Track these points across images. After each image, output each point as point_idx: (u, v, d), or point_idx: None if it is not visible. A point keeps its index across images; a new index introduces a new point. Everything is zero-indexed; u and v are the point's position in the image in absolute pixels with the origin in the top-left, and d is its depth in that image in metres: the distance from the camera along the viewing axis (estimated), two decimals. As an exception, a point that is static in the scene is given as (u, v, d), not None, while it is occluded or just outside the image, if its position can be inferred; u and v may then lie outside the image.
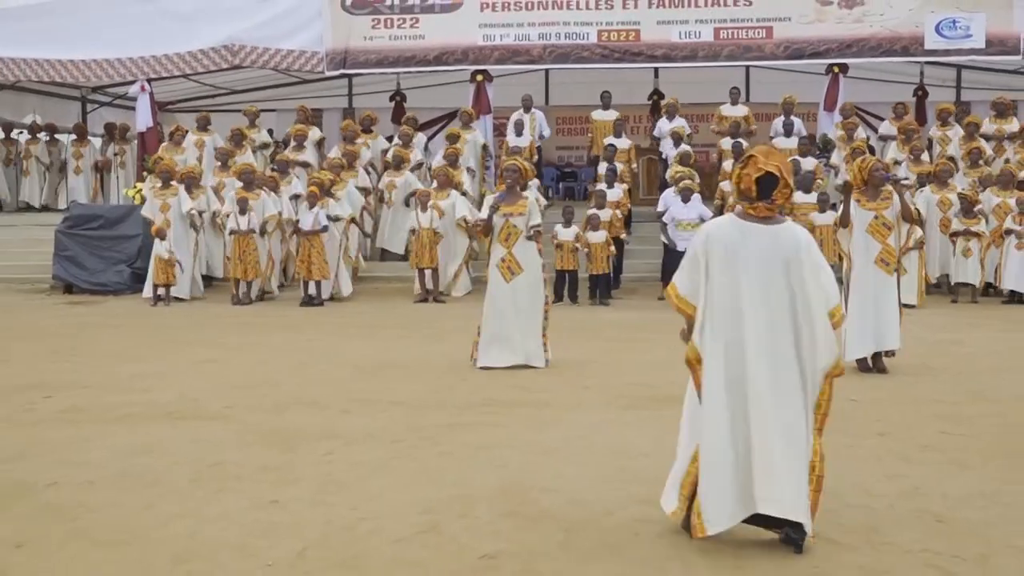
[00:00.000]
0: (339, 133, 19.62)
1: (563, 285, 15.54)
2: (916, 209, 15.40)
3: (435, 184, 16.72)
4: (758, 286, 4.96)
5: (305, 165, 18.42)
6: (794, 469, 4.94)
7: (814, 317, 4.99)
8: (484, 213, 10.20)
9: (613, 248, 15.67)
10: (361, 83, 22.51)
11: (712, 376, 5.01)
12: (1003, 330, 12.83)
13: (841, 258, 10.16)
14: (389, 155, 18.31)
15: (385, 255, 18.31)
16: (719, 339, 4.99)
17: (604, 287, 15.68)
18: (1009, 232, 15.44)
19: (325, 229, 15.41)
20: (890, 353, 9.95)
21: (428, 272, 15.95)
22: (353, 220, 16.60)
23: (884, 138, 18.89)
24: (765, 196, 5.02)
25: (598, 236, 15.56)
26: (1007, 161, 17.59)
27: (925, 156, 17.56)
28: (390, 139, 19.72)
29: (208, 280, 17.15)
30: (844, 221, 9.79)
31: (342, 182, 16.96)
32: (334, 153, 18.38)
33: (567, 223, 15.60)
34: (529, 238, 10.12)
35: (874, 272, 9.73)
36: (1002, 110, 18.42)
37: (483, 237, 10.21)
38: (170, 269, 15.61)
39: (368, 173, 18.43)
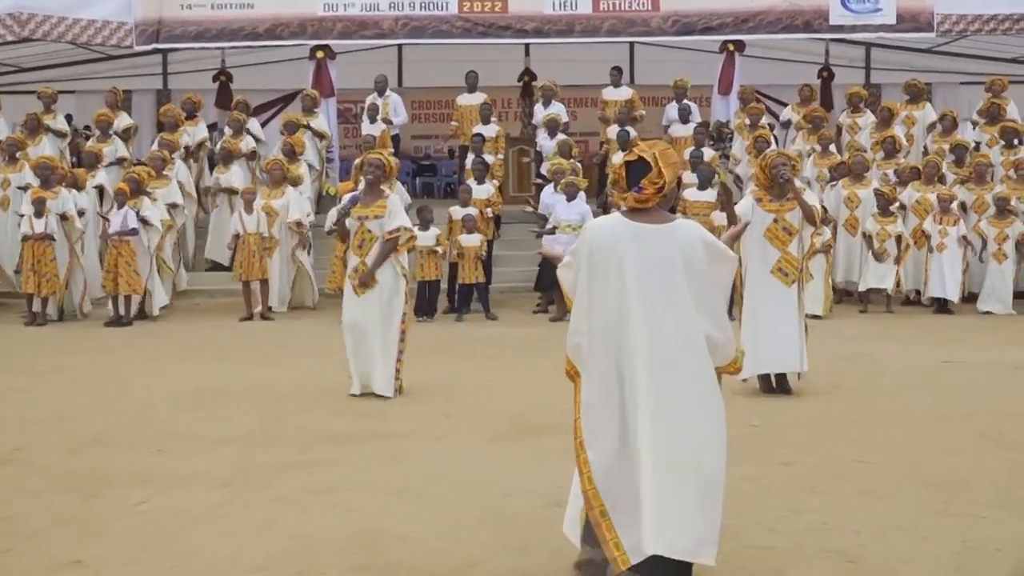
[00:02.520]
0: (154, 120, 19.24)
1: (423, 298, 15.52)
2: (823, 207, 15.85)
3: (268, 180, 16.49)
4: (652, 292, 5.04)
5: (121, 161, 18.03)
6: (691, 496, 4.94)
7: (717, 315, 5.14)
8: (333, 216, 10.12)
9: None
10: (178, 60, 22.14)
11: (595, 393, 5.07)
12: (918, 342, 13.29)
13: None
14: (218, 146, 18.06)
15: (214, 266, 18.04)
16: (606, 353, 5.06)
17: (483, 298, 15.72)
18: (927, 236, 15.95)
19: (134, 232, 15.07)
20: (783, 379, 10.16)
21: (256, 286, 15.73)
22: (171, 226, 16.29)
23: (786, 125, 19.35)
24: (634, 184, 5.12)
25: (472, 239, 15.60)
26: (926, 151, 18.11)
27: (834, 146, 18.04)
28: (213, 127, 19.41)
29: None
30: (731, 219, 9.92)
31: (162, 179, 16.63)
32: (154, 145, 18.03)
33: (425, 225, 15.57)
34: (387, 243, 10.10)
35: (770, 283, 9.89)
36: (915, 94, 19.03)
37: (342, 243, 10.14)
38: None
39: (189, 166, 18.16)
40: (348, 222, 10.04)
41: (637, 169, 5.11)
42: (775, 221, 9.87)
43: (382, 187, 10.25)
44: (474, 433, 8.62)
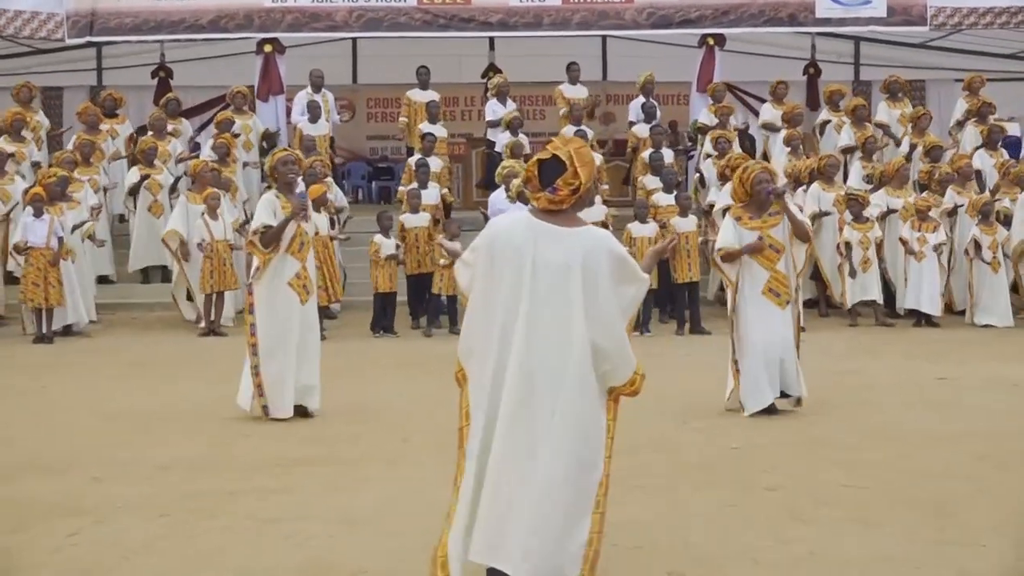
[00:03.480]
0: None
1: (381, 312, 15.48)
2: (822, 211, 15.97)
3: (192, 184, 16.34)
4: (544, 297, 5.12)
5: (35, 165, 17.89)
6: (544, 515, 5.06)
7: (609, 330, 5.19)
8: (266, 218, 9.95)
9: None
10: (114, 55, 22.07)
11: (474, 398, 5.30)
12: (910, 358, 13.38)
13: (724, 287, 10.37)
14: (136, 147, 17.99)
15: (149, 275, 17.91)
16: (486, 357, 5.22)
17: (453, 309, 15.66)
18: (904, 243, 16.01)
19: (61, 242, 14.98)
20: (786, 397, 10.18)
21: (214, 297, 15.63)
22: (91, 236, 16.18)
23: (767, 127, 19.37)
24: (548, 184, 5.17)
25: (455, 246, 15.56)
26: (910, 155, 18.14)
27: (814, 147, 18.05)
28: (144, 129, 19.35)
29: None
30: (727, 259, 9.96)
31: (78, 182, 16.50)
32: (70, 144, 17.91)
33: (385, 232, 15.55)
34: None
35: (762, 305, 9.92)
36: (895, 91, 19.09)
37: (262, 252, 9.95)
38: None
39: (106, 172, 18.06)
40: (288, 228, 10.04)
41: (551, 168, 5.17)
42: (759, 239, 9.92)
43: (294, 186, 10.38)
44: (436, 457, 8.58)
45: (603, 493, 5.18)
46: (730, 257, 9.94)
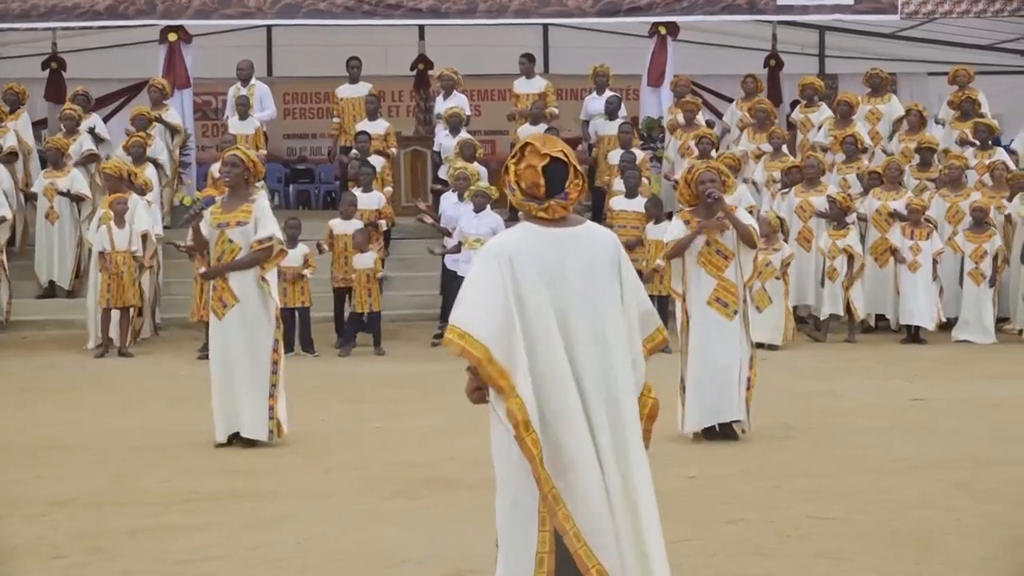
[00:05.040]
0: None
1: (292, 328, 15.40)
2: (779, 217, 16.03)
3: (106, 186, 16.25)
4: (589, 302, 5.13)
5: None
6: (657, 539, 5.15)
7: (633, 328, 5.26)
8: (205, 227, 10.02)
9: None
10: (-2, 43, 21.88)
11: (558, 435, 5.08)
12: (884, 377, 13.50)
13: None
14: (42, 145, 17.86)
15: (52, 290, 17.75)
16: (565, 390, 5.08)
17: (375, 327, 15.57)
18: (895, 251, 16.01)
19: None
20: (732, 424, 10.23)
21: (117, 314, 15.48)
22: None
23: (728, 130, 19.44)
24: (557, 191, 5.16)
25: (365, 260, 15.50)
26: (891, 154, 18.29)
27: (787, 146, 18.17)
28: (41, 123, 19.16)
29: None
30: (675, 251, 10.06)
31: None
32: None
33: (292, 242, 15.43)
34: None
35: (709, 317, 9.99)
36: (877, 85, 19.21)
37: (200, 259, 10.09)
38: None
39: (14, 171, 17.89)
40: (206, 230, 9.98)
41: (556, 173, 5.13)
42: (707, 244, 9.99)
43: (248, 191, 10.23)
44: (362, 490, 8.60)
45: None
46: (678, 250, 10.00)
